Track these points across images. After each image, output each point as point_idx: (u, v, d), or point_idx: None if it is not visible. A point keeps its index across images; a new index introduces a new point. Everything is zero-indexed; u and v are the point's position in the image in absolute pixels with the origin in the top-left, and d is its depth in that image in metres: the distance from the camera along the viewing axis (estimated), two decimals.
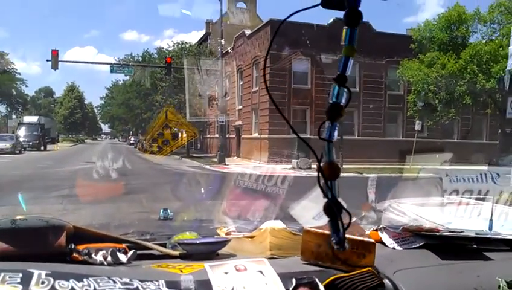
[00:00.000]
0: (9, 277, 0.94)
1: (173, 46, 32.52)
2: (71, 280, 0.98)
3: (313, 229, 1.32)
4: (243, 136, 28.42)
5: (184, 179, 14.48)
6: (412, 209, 2.43)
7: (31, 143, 33.08)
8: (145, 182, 13.62)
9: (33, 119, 41.12)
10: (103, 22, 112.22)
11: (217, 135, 28.20)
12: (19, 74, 54.18)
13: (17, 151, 28.35)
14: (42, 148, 34.81)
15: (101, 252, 1.32)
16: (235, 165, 21.63)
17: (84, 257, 1.28)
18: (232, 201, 1.95)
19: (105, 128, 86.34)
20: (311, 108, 25.02)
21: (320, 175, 0.86)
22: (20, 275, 0.96)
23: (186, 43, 33.66)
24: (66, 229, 1.34)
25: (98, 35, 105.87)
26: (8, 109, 50.00)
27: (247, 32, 28.57)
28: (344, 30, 0.90)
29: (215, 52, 31.12)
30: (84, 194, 10.48)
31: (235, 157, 27.00)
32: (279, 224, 1.50)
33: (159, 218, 2.37)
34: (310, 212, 1.79)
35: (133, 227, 2.00)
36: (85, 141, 65.74)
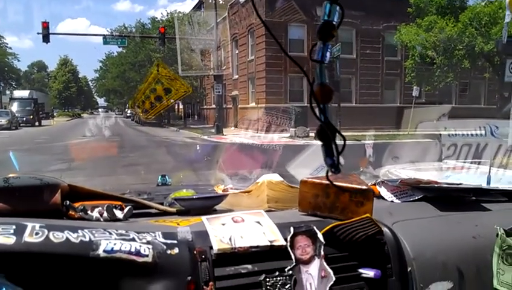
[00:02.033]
0: (2, 229, 0.93)
1: (167, 15, 31.95)
2: (66, 231, 0.96)
3: (310, 179, 1.30)
4: (239, 106, 28.27)
5: (182, 150, 14.53)
6: (409, 174, 2.43)
7: (24, 118, 32.76)
8: (143, 154, 13.62)
9: (24, 93, 40.59)
10: None
11: (213, 106, 28.08)
12: (10, 48, 53.43)
13: (14, 128, 28.20)
14: (37, 123, 34.57)
15: (96, 209, 1.30)
16: (232, 135, 21.62)
17: (80, 213, 1.27)
18: (229, 158, 1.93)
19: (101, 101, 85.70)
20: (308, 76, 24.81)
21: (312, 99, 0.81)
22: (14, 227, 0.94)
23: (179, 12, 33.07)
24: (61, 188, 1.33)
25: (90, 6, 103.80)
26: (1, 84, 49.45)
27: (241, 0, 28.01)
28: None
29: (209, 22, 30.58)
30: (83, 167, 10.54)
31: (233, 128, 26.94)
32: (276, 177, 1.49)
33: (157, 185, 2.37)
34: (307, 169, 1.79)
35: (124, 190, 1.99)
36: (81, 115, 65.42)
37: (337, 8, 0.80)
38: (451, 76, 22.14)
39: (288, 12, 23.34)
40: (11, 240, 0.91)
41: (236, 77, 28.95)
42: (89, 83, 70.69)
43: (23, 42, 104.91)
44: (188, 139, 20.58)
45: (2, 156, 12.66)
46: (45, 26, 22.00)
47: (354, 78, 25.96)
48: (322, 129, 0.81)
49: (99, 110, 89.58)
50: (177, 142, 18.56)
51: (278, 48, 21.18)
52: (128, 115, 52.66)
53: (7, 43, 52.80)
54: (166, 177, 2.38)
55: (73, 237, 0.96)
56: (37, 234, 0.94)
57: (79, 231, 0.98)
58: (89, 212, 1.29)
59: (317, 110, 0.82)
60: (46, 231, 0.95)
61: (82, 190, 1.42)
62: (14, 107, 34.33)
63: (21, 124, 30.92)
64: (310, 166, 1.79)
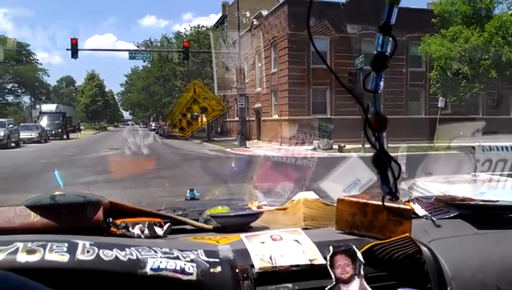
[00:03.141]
0: (56, 246, 0.97)
1: (190, 30, 32.50)
2: (114, 249, 1.00)
3: (347, 197, 1.31)
4: (262, 118, 28.37)
5: (207, 162, 14.64)
6: (438, 187, 2.39)
7: (53, 132, 33.72)
8: (169, 167, 13.78)
9: (52, 107, 41.74)
10: (122, 9, 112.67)
11: (237, 118, 28.26)
12: (41, 64, 55.20)
13: (43, 141, 29.04)
14: (65, 136, 35.50)
15: (137, 226, 1.35)
16: (256, 148, 21.66)
17: (122, 230, 1.31)
18: (262, 176, 1.95)
19: (126, 115, 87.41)
20: (331, 88, 24.73)
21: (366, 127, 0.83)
22: (66, 244, 0.99)
23: (203, 26, 33.56)
24: (103, 205, 1.38)
25: (116, 22, 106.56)
26: (32, 99, 51.09)
27: (264, 12, 28.27)
28: None
29: (232, 35, 30.95)
30: (110, 180, 10.73)
31: (256, 140, 27.02)
32: (311, 195, 1.50)
33: (186, 199, 2.39)
34: (340, 185, 1.79)
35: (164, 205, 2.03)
36: (107, 128, 66.80)
37: (390, 39, 0.83)
38: (477, 86, 21.71)
39: (312, 25, 23.38)
40: (65, 258, 0.95)
41: (260, 89, 29.11)
42: (115, 96, 72.33)
43: (53, 58, 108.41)
44: (212, 151, 20.73)
45: (33, 168, 13.06)
46: (74, 42, 22.67)
47: None
48: (377, 157, 0.83)
49: (127, 123, 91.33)
50: (201, 155, 18.70)
51: (301, 60, 21.26)
52: (152, 127, 53.56)
53: (38, 59, 54.60)
54: (195, 191, 2.39)
55: (122, 255, 0.99)
56: (88, 252, 0.98)
57: (126, 249, 1.02)
58: (130, 229, 1.33)
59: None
60: (96, 249, 0.99)
61: (122, 206, 1.47)
62: (44, 121, 35.36)
63: (50, 138, 31.81)
64: (342, 182, 1.79)
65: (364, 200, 1.27)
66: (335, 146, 19.29)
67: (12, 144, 24.00)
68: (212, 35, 27.43)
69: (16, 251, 0.95)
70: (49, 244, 0.98)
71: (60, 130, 35.05)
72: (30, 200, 1.35)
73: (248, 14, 28.69)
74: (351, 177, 1.78)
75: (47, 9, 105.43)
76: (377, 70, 0.83)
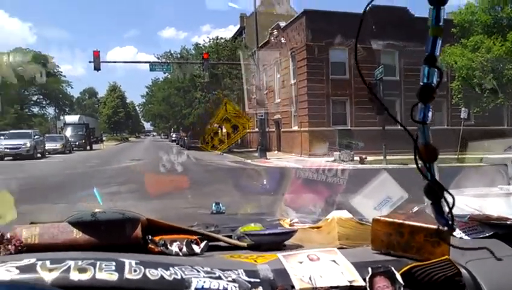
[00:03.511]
0: (105, 265, 1.01)
1: (209, 42, 32.86)
2: (159, 269, 1.03)
3: (382, 218, 1.32)
4: (282, 129, 28.37)
5: (229, 174, 14.67)
6: (469, 202, 2.35)
7: (77, 143, 34.42)
8: (191, 178, 13.87)
9: (75, 118, 42.60)
10: (142, 21, 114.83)
11: (256, 130, 28.37)
12: (65, 76, 56.57)
13: (67, 151, 29.64)
14: (88, 147, 36.18)
15: (175, 243, 1.38)
16: (276, 159, 21.67)
17: (161, 247, 1.35)
18: (293, 192, 1.96)
19: (147, 126, 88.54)
20: (351, 99, 24.61)
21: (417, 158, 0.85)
22: (114, 263, 1.02)
23: (221, 38, 33.89)
24: (141, 221, 1.42)
25: (137, 35, 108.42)
26: (56, 110, 52.33)
27: (282, 24, 28.43)
28: (430, 10, 0.92)
29: (250, 46, 31.19)
30: (132, 190, 10.86)
31: (276, 152, 27.01)
32: (345, 214, 1.51)
33: (212, 212, 2.41)
34: (371, 203, 1.79)
35: (194, 220, 2.06)
36: (129, 139, 67.74)
37: (436, 70, 0.85)
38: (501, 97, 21.29)
39: (330, 35, 23.39)
40: (114, 277, 0.99)
41: (279, 100, 29.17)
42: (136, 108, 73.34)
43: (76, 70, 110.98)
44: (232, 163, 20.81)
45: (59, 179, 13.34)
46: (96, 55, 23.20)
47: (399, 101, 25.46)
48: (430, 188, 0.84)
49: (147, 134, 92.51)
50: (222, 166, 18.78)
51: (320, 71, 21.15)
52: (173, 139, 54.04)
53: (61, 72, 56.06)
54: (220, 205, 2.42)
55: (167, 275, 1.02)
56: (135, 271, 1.01)
57: (170, 268, 1.05)
58: (168, 246, 1.36)
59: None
60: (142, 268, 1.02)
61: (159, 223, 1.50)
62: (68, 132, 36.12)
63: (74, 148, 32.44)
64: (373, 199, 1.80)
65: (401, 221, 1.27)
66: (356, 158, 19.14)
67: (38, 155, 24.55)
68: (242, 53, 27.72)
69: (68, 270, 0.99)
70: (98, 263, 1.02)
71: (83, 141, 35.73)
72: (72, 217, 1.40)
73: (266, 26, 28.88)
74: (381, 195, 1.78)
75: (70, 23, 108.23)
76: (424, 102, 0.85)
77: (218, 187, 10.56)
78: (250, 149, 29.94)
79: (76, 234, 1.35)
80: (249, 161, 21.19)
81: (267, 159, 21.68)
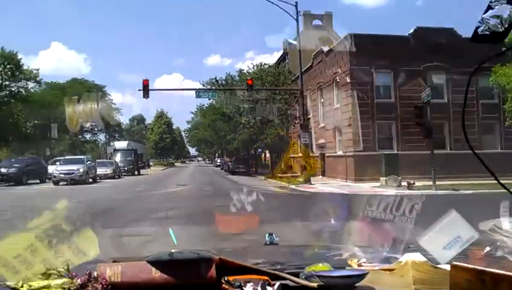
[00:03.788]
0: None
1: (253, 68, 33.39)
2: None
3: (461, 264, 1.29)
4: (326, 154, 28.11)
5: (274, 199, 14.61)
6: None
7: (126, 168, 35.61)
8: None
9: (124, 144, 44.20)
10: (188, 49, 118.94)
11: (300, 154, 28.25)
12: (115, 104, 59.33)
13: (117, 176, 30.71)
14: (136, 172, 37.33)
15: (249, 284, 1.41)
16: (321, 185, 21.42)
17: (237, 289, 1.38)
18: (360, 230, 1.95)
19: (192, 151, 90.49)
20: (397, 122, 24.12)
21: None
22: None
23: (265, 64, 34.35)
24: (215, 261, 1.46)
25: (183, 62, 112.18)
26: (107, 136, 54.64)
27: (325, 49, 28.52)
28: None
29: (293, 72, 31.42)
30: (179, 216, 11.05)
31: (320, 176, 26.71)
32: (419, 257, 1.48)
33: (265, 243, 2.38)
34: (440, 242, 1.75)
35: (252, 255, 2.08)
36: (174, 164, 69.37)
37: None
38: None
39: (374, 59, 23.19)
40: None
41: (323, 125, 29.02)
42: (182, 133, 75.23)
43: (126, 98, 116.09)
44: (276, 188, 20.75)
45: (110, 203, 13.78)
46: (146, 83, 24.07)
47: (447, 124, 24.68)
48: None
49: (192, 159, 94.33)
50: (266, 192, 18.73)
51: (364, 94, 20.85)
52: (218, 164, 54.83)
53: (112, 99, 58.92)
54: (273, 235, 2.39)
55: None
56: None
57: None
58: (243, 287, 1.39)
59: None
60: None
61: (230, 263, 1.54)
62: (117, 157, 37.50)
63: (123, 173, 33.54)
64: (441, 239, 1.75)
65: (482, 268, 1.24)
66: (403, 183, 18.59)
67: (90, 180, 25.54)
68: (268, 82, 28.11)
69: None
70: None
71: (131, 166, 36.95)
72: (151, 257, 1.47)
73: (310, 51, 29.10)
74: (451, 234, 1.74)
75: (121, 53, 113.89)
76: None
77: (266, 214, 10.49)
78: (294, 174, 29.82)
79: (155, 273, 1.41)
80: (293, 186, 21.06)
81: (311, 184, 21.47)
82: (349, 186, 20.25)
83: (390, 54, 23.04)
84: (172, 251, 1.51)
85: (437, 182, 17.44)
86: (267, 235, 2.42)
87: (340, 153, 25.70)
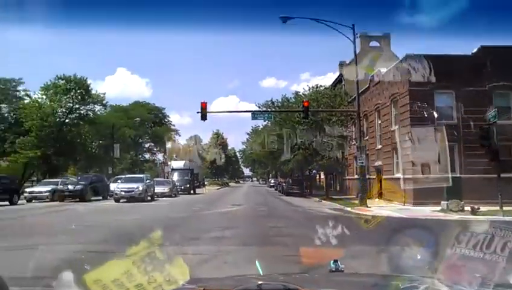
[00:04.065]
0: None
1: (309, 89, 33.42)
2: None
3: None
4: (384, 176, 27.34)
5: (329, 222, 14.36)
6: None
7: (182, 187, 36.56)
8: (289, 225, 13.86)
9: (180, 164, 45.47)
10: (244, 72, 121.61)
11: (356, 176, 27.66)
12: (173, 125, 61.61)
13: (174, 195, 31.57)
14: (192, 191, 38.22)
15: None
16: (377, 208, 20.79)
17: None
18: (448, 268, 1.86)
19: (246, 171, 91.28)
20: (459, 144, 23.05)
21: None
22: None
23: (321, 86, 34.29)
24: None
25: (239, 85, 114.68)
26: (165, 156, 56.63)
27: (383, 70, 28.04)
28: None
29: (350, 93, 31.09)
30: (235, 236, 11.14)
31: (377, 199, 25.95)
32: None
33: (330, 270, 2.33)
34: None
35: (321, 284, 2.06)
36: (229, 184, 70.32)
37: None
38: None
39: (434, 79, 22.45)
40: None
41: (380, 146, 28.35)
42: (237, 154, 76.32)
43: (183, 119, 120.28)
44: (331, 210, 20.40)
45: (167, 222, 14.16)
46: (204, 106, 24.73)
47: None
48: None
49: (245, 179, 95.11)
50: (321, 214, 18.48)
51: (424, 116, 20.14)
52: (271, 184, 54.93)
53: (171, 121, 61.34)
54: (338, 263, 2.33)
55: None
56: None
57: None
58: None
59: None
60: None
61: None
62: (175, 176, 38.67)
63: (179, 192, 34.45)
64: None
65: None
66: (467, 207, 17.62)
67: (148, 198, 26.43)
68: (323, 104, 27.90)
69: None
70: None
71: (188, 185, 37.89)
72: (240, 288, 1.54)
73: (365, 72, 28.72)
74: None
75: (180, 77, 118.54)
76: None
77: (319, 236, 10.30)
78: (350, 196, 29.20)
79: None
80: (348, 209, 20.60)
81: (367, 207, 20.90)
82: (408, 209, 19.51)
83: (452, 74, 22.25)
84: (260, 282, 1.56)
85: (505, 208, 16.37)
86: (331, 262, 2.38)
87: (398, 175, 24.91)
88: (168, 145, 58.25)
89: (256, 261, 2.87)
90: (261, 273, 2.49)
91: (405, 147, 24.03)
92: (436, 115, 23.54)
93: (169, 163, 50.37)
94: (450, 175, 21.64)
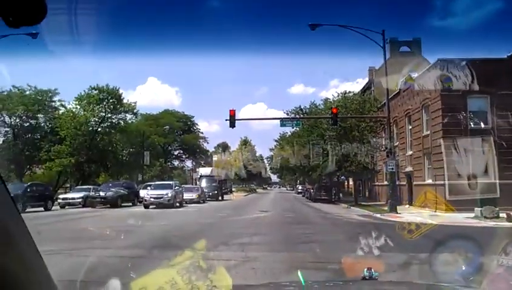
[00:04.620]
0: None
1: (338, 96, 33.09)
2: None
3: None
4: (414, 182, 26.74)
5: (357, 229, 14.10)
6: None
7: (210, 193, 36.78)
8: (317, 232, 13.73)
9: (208, 170, 45.83)
10: (272, 79, 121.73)
11: (386, 182, 27.17)
12: (202, 132, 62.27)
13: (201, 201, 31.78)
14: (220, 198, 38.39)
15: None
16: (407, 214, 20.33)
17: None
18: (495, 279, 1.78)
19: (274, 177, 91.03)
20: (494, 149, 22.29)
21: None
22: None
23: (349, 92, 33.90)
24: None
25: (267, 92, 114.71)
26: (193, 163, 57.28)
27: (414, 75, 27.50)
28: None
29: (379, 99, 30.62)
30: (263, 242, 11.11)
31: (407, 206, 25.40)
32: None
33: (363, 278, 2.30)
34: None
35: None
36: (256, 190, 70.30)
37: None
38: None
39: (468, 83, 21.88)
40: None
41: (411, 152, 27.77)
42: (264, 160, 76.26)
43: (212, 126, 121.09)
44: (360, 217, 20.06)
45: (194, 227, 14.28)
46: (232, 114, 24.88)
47: None
48: None
49: (272, 186, 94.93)
50: (350, 221, 18.21)
51: (456, 121, 19.73)
52: (299, 191, 54.63)
53: (199, 128, 62.01)
54: (372, 271, 2.29)
55: None
56: None
57: None
58: None
59: None
60: None
61: None
62: (203, 183, 38.96)
63: (207, 198, 34.66)
64: None
65: None
66: (502, 214, 16.99)
67: (177, 204, 26.68)
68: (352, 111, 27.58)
69: None
70: None
71: (215, 192, 38.08)
72: None
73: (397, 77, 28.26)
74: None
75: (209, 85, 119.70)
76: None
77: (347, 242, 10.14)
78: (379, 202, 28.67)
79: None
80: (378, 215, 20.22)
81: (397, 213, 20.46)
82: (439, 216, 18.97)
83: (486, 78, 21.63)
84: None
85: None
86: (365, 270, 2.33)
87: (429, 181, 24.31)
88: (215, 158, 59.41)
89: (299, 272, 2.84)
90: (303, 283, 2.45)
91: (437, 153, 23.46)
92: (469, 120, 22.94)
93: (197, 170, 50.85)
94: (484, 181, 20.99)
